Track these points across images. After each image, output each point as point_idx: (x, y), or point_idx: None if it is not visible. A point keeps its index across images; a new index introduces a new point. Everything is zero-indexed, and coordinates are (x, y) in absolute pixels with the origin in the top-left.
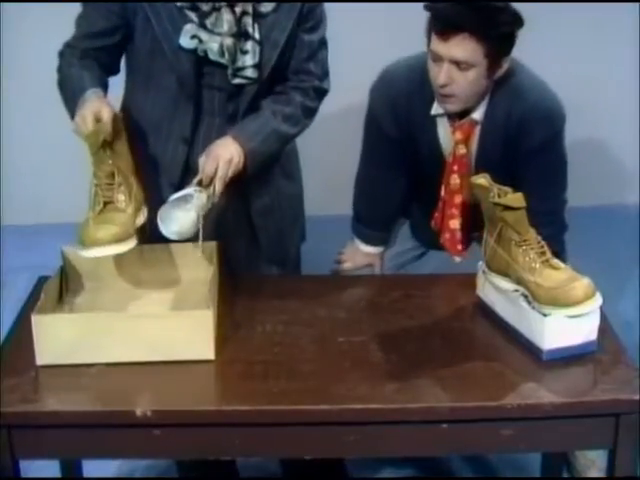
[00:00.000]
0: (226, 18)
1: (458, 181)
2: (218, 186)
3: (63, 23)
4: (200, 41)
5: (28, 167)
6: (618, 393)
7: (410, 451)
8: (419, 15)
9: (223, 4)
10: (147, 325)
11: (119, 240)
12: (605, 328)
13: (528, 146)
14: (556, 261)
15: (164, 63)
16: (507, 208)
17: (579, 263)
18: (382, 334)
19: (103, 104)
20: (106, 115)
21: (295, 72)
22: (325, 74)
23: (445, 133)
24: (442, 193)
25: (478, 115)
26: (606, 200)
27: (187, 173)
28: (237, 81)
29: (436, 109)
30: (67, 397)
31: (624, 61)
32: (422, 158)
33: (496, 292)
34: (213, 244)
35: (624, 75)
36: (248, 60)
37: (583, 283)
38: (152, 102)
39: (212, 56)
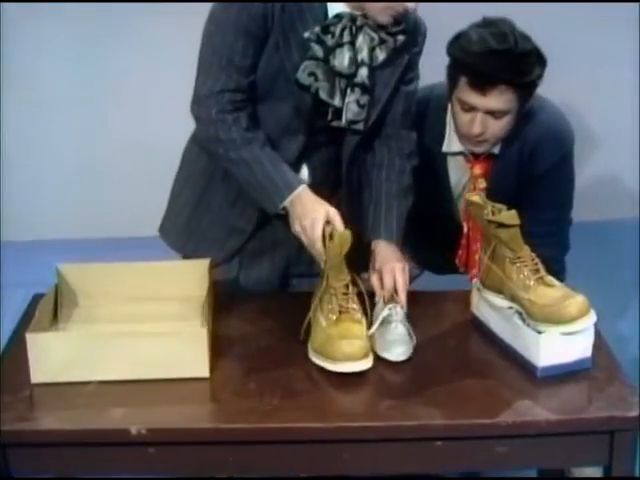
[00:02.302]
0: (348, 56)
1: None
2: (403, 297)
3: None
4: (316, 79)
5: (26, 183)
6: (613, 410)
7: (405, 468)
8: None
9: (346, 40)
10: (142, 343)
11: (364, 356)
12: (600, 345)
13: (540, 169)
14: (550, 278)
15: (283, 92)
16: (501, 225)
17: (577, 279)
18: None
19: (327, 206)
20: (337, 219)
21: (392, 122)
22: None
23: (455, 168)
24: (465, 229)
25: (497, 149)
26: (605, 215)
27: None
28: (336, 124)
29: (447, 146)
30: (62, 415)
31: (624, 74)
32: (429, 192)
33: (490, 309)
34: (206, 262)
35: (623, 88)
36: (362, 114)
37: (577, 300)
38: (261, 121)
39: (322, 95)
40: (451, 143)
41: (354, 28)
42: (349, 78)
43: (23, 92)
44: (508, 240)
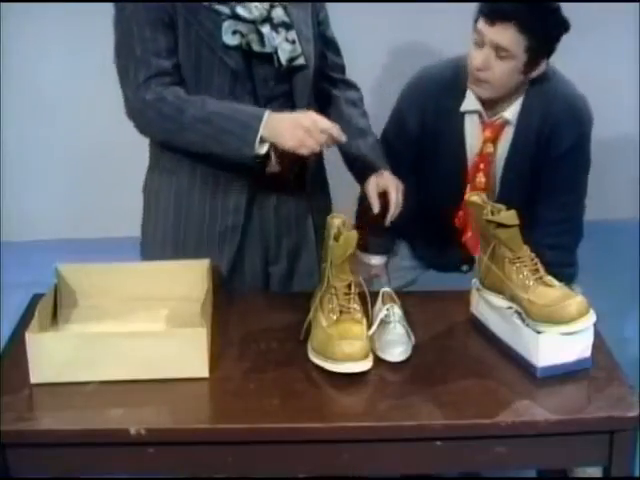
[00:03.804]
0: (254, 4)
1: (483, 179)
2: (396, 212)
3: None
4: (242, 35)
5: (26, 183)
6: (612, 410)
7: (404, 469)
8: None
9: None
10: (141, 343)
11: (364, 357)
12: (599, 345)
13: (559, 148)
14: (549, 278)
15: (212, 63)
16: (500, 225)
17: (577, 279)
18: None
19: (312, 114)
20: (329, 123)
21: (332, 69)
22: None
23: (472, 130)
24: (467, 191)
25: (510, 114)
26: (605, 215)
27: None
28: (286, 65)
29: (466, 105)
30: (61, 415)
31: (624, 71)
32: (443, 155)
33: (490, 309)
34: (205, 262)
35: (624, 88)
36: (297, 48)
37: (577, 300)
38: None
39: (255, 47)
40: (468, 102)
41: None
42: (269, 22)
43: (23, 92)
44: (507, 240)
